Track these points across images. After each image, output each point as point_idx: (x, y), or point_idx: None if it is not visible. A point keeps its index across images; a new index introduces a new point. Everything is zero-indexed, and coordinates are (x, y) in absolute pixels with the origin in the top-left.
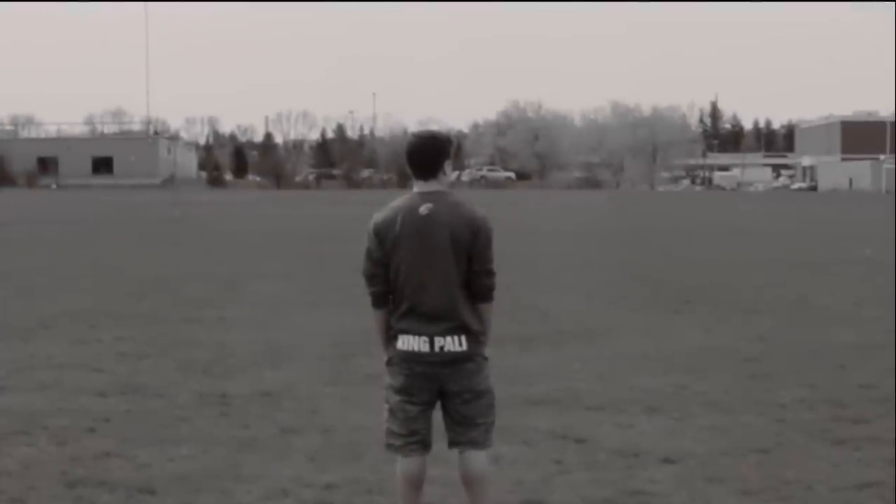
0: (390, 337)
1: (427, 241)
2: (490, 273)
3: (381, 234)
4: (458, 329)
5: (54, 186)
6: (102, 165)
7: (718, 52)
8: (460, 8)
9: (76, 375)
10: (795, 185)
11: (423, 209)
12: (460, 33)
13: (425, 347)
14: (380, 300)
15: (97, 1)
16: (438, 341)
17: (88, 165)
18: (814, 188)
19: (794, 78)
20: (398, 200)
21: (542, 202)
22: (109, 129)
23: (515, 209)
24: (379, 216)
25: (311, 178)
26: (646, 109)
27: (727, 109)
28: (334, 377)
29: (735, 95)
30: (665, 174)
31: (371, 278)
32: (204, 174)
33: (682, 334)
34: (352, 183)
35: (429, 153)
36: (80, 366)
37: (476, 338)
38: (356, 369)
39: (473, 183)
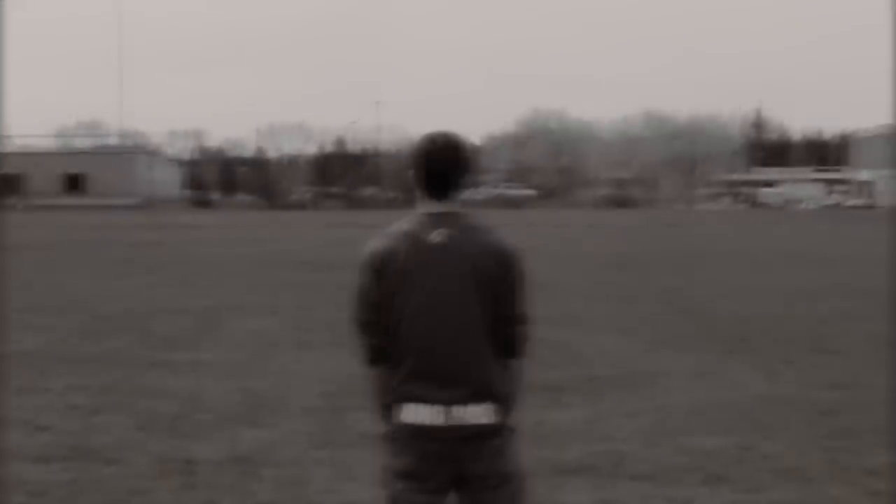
0: (391, 404)
1: (441, 277)
2: (524, 318)
3: (380, 269)
4: (483, 394)
5: (20, 207)
6: (75, 183)
7: (762, 53)
8: (473, 9)
9: (15, 434)
10: (850, 203)
11: (436, 236)
12: (474, 34)
13: (440, 419)
14: (377, 356)
15: None
16: (457, 411)
17: (59, 183)
18: (871, 206)
19: (849, 82)
20: (401, 224)
21: (567, 223)
22: (83, 142)
23: (537, 231)
24: (377, 245)
25: (307, 196)
26: (682, 119)
27: (773, 118)
28: (324, 437)
29: (782, 102)
30: (704, 191)
31: (365, 327)
32: (188, 192)
33: (741, 380)
34: (353, 202)
35: (450, 161)
36: (22, 422)
37: (504, 404)
38: (350, 426)
39: (489, 201)
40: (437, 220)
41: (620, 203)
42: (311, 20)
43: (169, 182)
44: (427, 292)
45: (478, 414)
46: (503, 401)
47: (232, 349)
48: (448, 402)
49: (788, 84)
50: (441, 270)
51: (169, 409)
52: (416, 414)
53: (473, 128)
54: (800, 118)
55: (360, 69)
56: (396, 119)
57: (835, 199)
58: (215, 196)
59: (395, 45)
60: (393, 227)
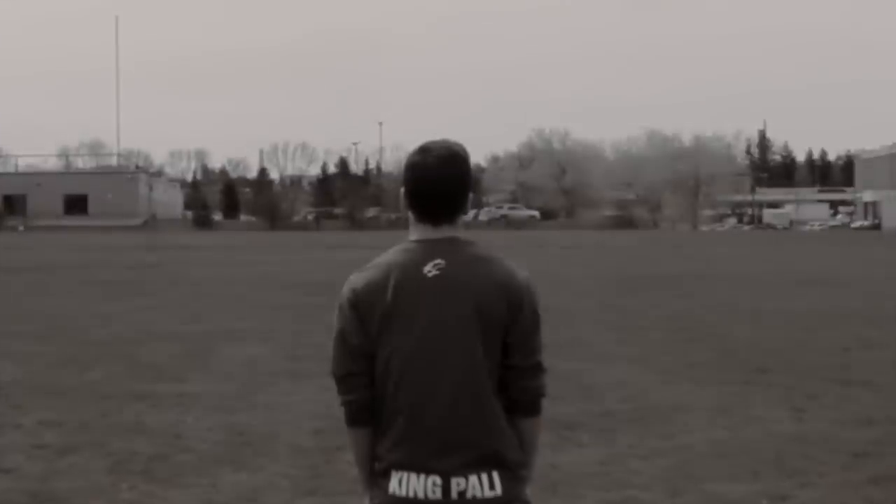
0: (377, 473)
1: (437, 319)
2: (538, 369)
3: (364, 308)
4: (488, 461)
5: (21, 228)
6: (76, 204)
7: (766, 73)
8: (477, 29)
9: None
10: (856, 224)
11: (432, 268)
12: (477, 56)
13: (436, 493)
14: (359, 415)
15: None
16: (457, 483)
17: (60, 204)
18: (877, 226)
19: (853, 103)
20: (389, 254)
21: (571, 244)
22: (85, 163)
23: (541, 253)
24: (359, 279)
25: (309, 217)
26: (686, 139)
27: (777, 139)
28: (312, 482)
29: (786, 123)
30: (709, 212)
31: (346, 380)
32: (190, 213)
33: (765, 416)
34: (355, 223)
35: (450, 177)
36: None
37: (514, 473)
38: (342, 471)
39: (493, 222)
40: (432, 248)
41: (624, 224)
42: (314, 41)
43: (171, 202)
44: (420, 337)
45: (483, 486)
46: (514, 469)
47: (220, 380)
48: (446, 472)
49: (792, 105)
50: (437, 310)
51: (146, 449)
52: (408, 486)
53: (477, 148)
54: (804, 139)
55: (363, 90)
56: (399, 139)
57: (840, 219)
58: (217, 217)
59: (399, 65)
60: (379, 258)
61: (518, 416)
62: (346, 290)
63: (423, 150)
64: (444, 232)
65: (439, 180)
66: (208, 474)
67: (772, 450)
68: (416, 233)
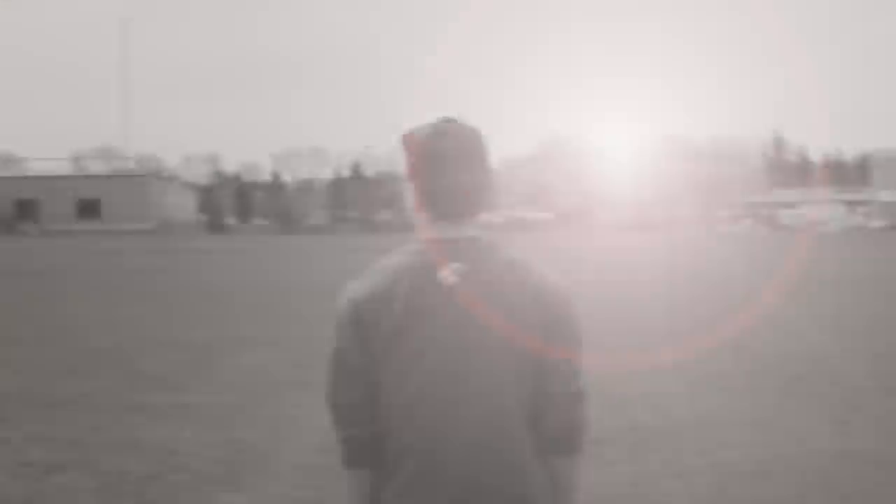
0: None
1: (457, 336)
2: (580, 397)
3: (367, 323)
4: None
5: (34, 232)
6: (88, 208)
7: (780, 74)
8: (490, 29)
9: None
10: (874, 224)
11: (450, 274)
12: (490, 58)
13: None
14: (362, 453)
15: None
16: None
17: (73, 208)
18: (895, 227)
19: (868, 102)
20: (396, 257)
21: (587, 246)
22: (98, 167)
23: (557, 256)
24: (360, 288)
25: (322, 220)
26: (702, 140)
27: (792, 140)
28: None
29: (800, 123)
30: (725, 213)
31: (343, 411)
32: (203, 217)
33: (805, 430)
34: (368, 226)
35: (479, 168)
36: None
37: None
38: None
39: (507, 225)
40: (449, 249)
41: (640, 226)
42: (326, 44)
43: (184, 207)
44: (435, 359)
45: None
46: None
47: (222, 390)
48: None
49: (807, 105)
50: (456, 326)
51: (139, 468)
52: None
53: (492, 151)
54: (819, 139)
55: (375, 93)
56: None
57: (857, 220)
58: (231, 221)
59: (410, 68)
60: (383, 261)
61: (553, 454)
62: (344, 303)
63: (439, 133)
64: (464, 230)
65: (465, 168)
66: (204, 496)
67: (817, 469)
68: (429, 230)
